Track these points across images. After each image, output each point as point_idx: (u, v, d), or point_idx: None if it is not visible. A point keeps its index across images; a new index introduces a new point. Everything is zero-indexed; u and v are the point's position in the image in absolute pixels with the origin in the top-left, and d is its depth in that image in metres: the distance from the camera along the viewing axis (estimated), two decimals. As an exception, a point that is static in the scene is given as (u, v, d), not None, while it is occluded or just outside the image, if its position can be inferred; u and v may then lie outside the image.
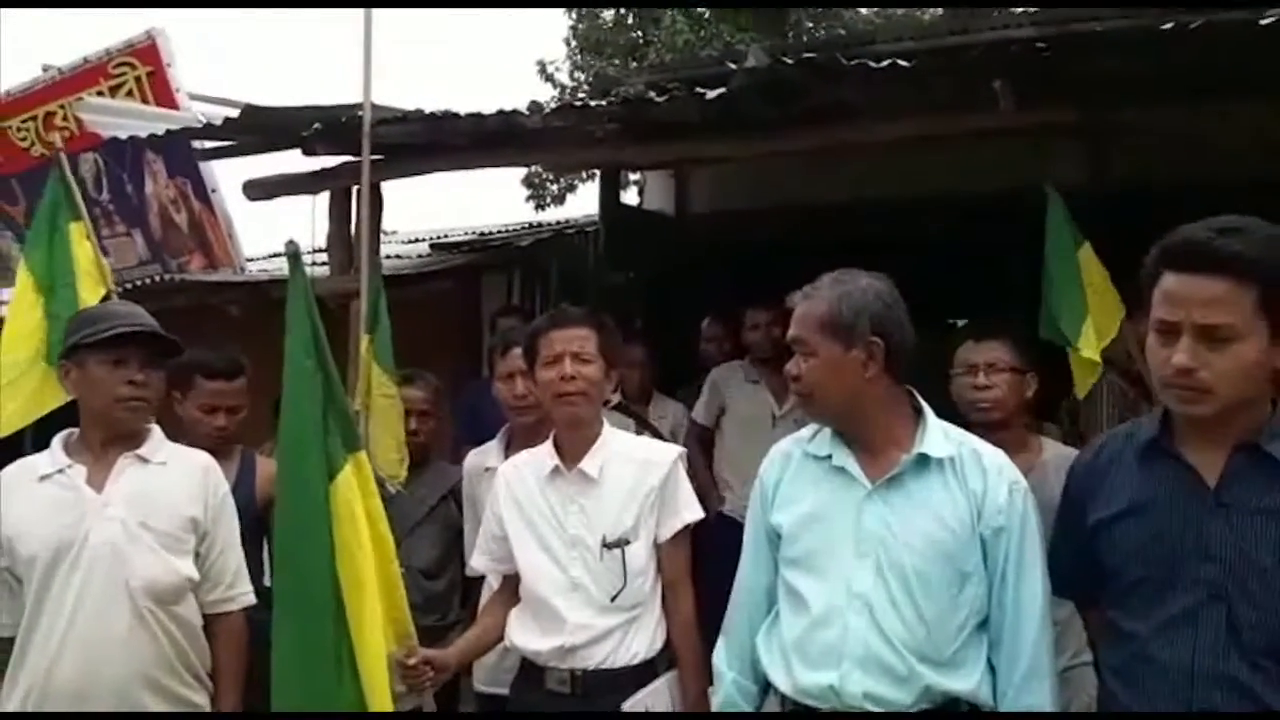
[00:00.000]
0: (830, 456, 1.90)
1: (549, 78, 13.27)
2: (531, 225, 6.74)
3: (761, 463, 2.05)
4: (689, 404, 4.44)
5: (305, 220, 3.90)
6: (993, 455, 1.89)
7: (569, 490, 2.31)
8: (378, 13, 3.40)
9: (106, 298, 3.15)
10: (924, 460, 1.85)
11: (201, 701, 2.30)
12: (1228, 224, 1.54)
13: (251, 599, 2.42)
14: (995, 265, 4.54)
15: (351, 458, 2.29)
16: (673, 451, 2.39)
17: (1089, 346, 3.00)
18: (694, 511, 2.35)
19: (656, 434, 3.96)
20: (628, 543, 2.24)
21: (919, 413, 1.93)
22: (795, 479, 1.95)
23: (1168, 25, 2.71)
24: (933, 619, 1.78)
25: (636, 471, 2.30)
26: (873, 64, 2.99)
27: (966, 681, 1.79)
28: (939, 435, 1.88)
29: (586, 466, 2.30)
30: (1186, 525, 1.60)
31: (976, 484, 1.83)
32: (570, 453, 2.33)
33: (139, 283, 5.13)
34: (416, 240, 6.78)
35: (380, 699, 2.18)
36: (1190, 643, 1.57)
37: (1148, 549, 1.63)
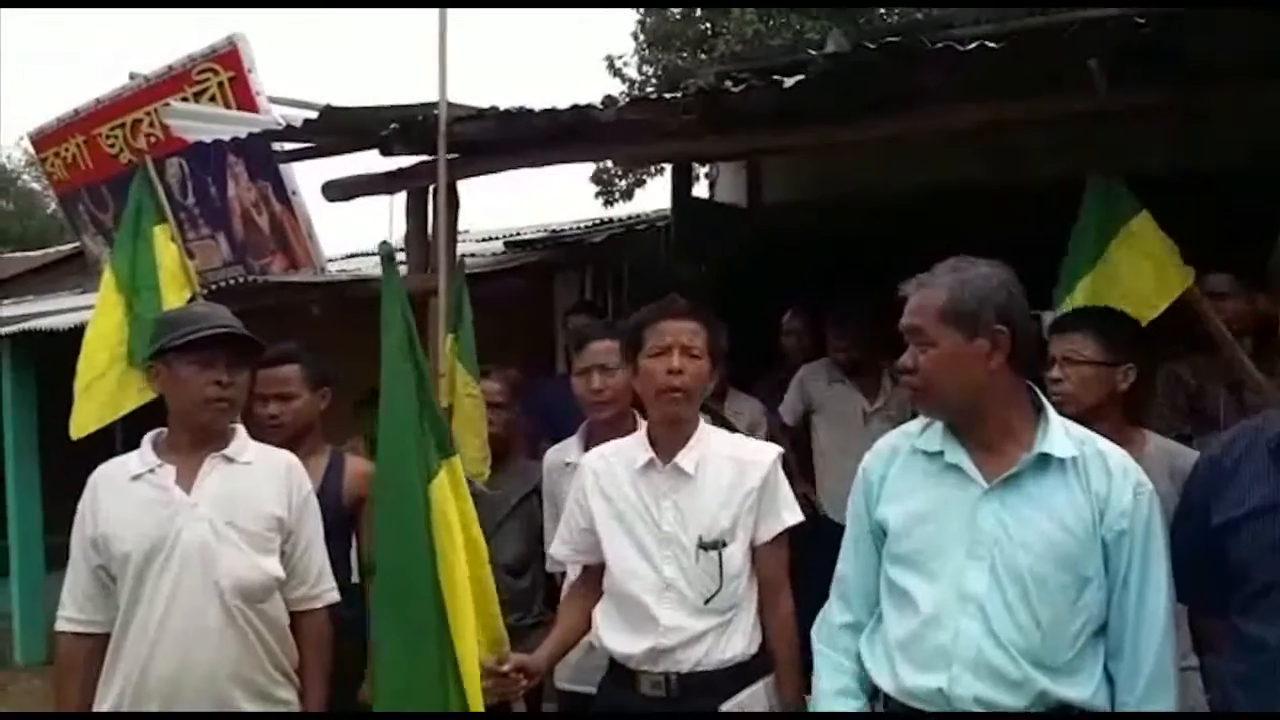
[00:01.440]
0: (942, 453, 1.82)
1: (617, 73, 13.27)
2: (602, 221, 6.72)
3: (857, 461, 1.97)
4: (765, 397, 4.39)
5: (381, 220, 3.93)
6: (1118, 457, 1.79)
7: (663, 486, 2.23)
8: (451, 11, 3.40)
9: (192, 299, 3.22)
10: (1045, 460, 1.76)
11: (289, 698, 2.32)
12: None
13: (335, 596, 2.44)
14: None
15: (445, 462, 2.29)
16: (773, 451, 2.29)
17: None
18: (794, 514, 2.25)
19: (733, 431, 3.90)
20: (724, 544, 2.16)
21: (1039, 410, 1.83)
22: (902, 474, 1.87)
23: None
24: (1048, 624, 1.70)
25: (735, 471, 2.22)
26: (959, 47, 2.88)
27: (1082, 689, 1.71)
28: (1061, 434, 1.78)
29: (683, 462, 2.22)
30: None
31: (1100, 485, 1.74)
32: (666, 447, 2.24)
33: (223, 284, 5.24)
34: (490, 239, 6.82)
35: (474, 704, 2.18)
36: None
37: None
